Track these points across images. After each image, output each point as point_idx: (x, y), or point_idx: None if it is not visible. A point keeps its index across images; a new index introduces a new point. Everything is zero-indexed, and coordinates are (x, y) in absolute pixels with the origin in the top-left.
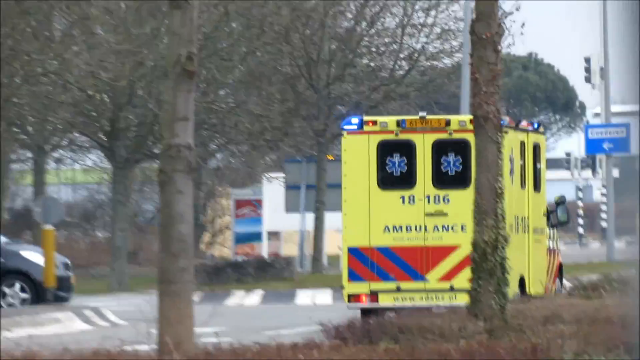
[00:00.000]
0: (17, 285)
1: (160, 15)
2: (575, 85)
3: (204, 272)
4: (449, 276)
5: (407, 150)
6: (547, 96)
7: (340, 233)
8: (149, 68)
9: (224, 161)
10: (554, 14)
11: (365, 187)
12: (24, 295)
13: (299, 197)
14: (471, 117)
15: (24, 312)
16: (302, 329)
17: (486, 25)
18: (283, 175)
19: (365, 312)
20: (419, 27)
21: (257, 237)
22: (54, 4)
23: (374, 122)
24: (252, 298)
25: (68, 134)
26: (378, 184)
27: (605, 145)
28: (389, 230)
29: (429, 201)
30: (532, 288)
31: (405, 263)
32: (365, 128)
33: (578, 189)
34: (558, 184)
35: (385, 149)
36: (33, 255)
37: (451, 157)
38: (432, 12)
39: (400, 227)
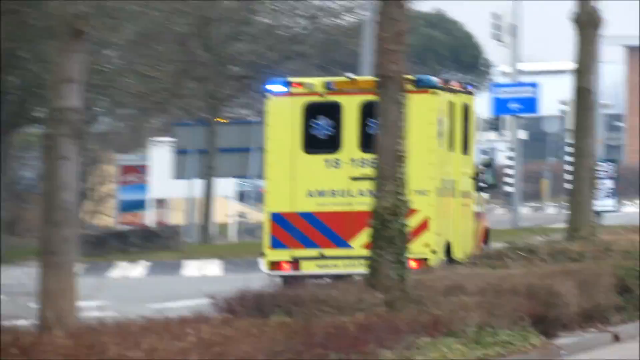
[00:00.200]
0: None
1: None
2: (483, 43)
3: (86, 242)
4: None
5: (334, 112)
6: (452, 54)
7: (230, 200)
8: (32, 27)
9: (109, 125)
10: None
11: (289, 151)
12: None
13: (187, 163)
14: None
15: None
16: (190, 302)
17: None
18: (172, 139)
19: (287, 279)
20: None
21: (142, 205)
22: None
23: (300, 84)
24: (137, 269)
25: None
26: (302, 148)
27: (512, 106)
28: (312, 195)
29: (354, 165)
30: (458, 254)
31: (329, 229)
32: (291, 90)
33: (482, 151)
34: None
35: (310, 111)
36: None
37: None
38: None
39: (324, 192)
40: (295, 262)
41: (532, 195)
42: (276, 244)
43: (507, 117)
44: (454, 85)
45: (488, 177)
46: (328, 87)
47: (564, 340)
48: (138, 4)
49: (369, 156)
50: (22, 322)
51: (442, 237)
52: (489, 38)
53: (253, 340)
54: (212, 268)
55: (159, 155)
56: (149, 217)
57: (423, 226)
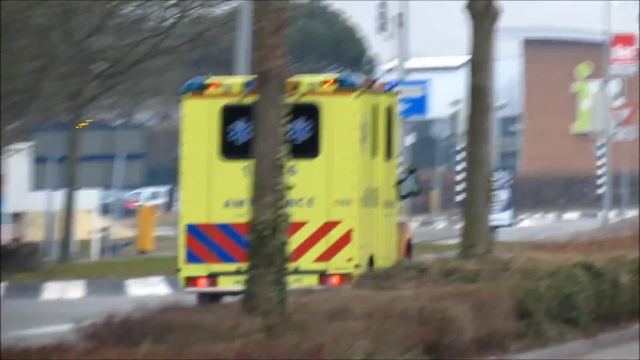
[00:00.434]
0: None
1: None
2: (368, 36)
3: None
4: (294, 257)
5: (253, 115)
6: (333, 49)
7: (93, 213)
8: None
9: None
10: None
11: (205, 157)
12: None
13: (47, 172)
14: (323, 78)
15: None
16: (51, 329)
17: None
18: (29, 145)
19: (204, 296)
20: None
21: None
22: None
23: (218, 85)
24: None
25: None
26: (220, 154)
27: None
28: (230, 206)
29: None
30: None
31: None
32: (208, 91)
33: None
34: None
35: (228, 115)
36: None
37: (299, 123)
38: None
39: (243, 202)
40: (212, 278)
41: (420, 207)
42: (192, 258)
43: None
44: (378, 85)
45: (411, 184)
46: (248, 87)
47: None
48: None
49: (289, 162)
50: None
51: (366, 250)
52: (375, 32)
53: None
54: (74, 290)
55: (15, 164)
56: (4, 233)
57: (346, 238)
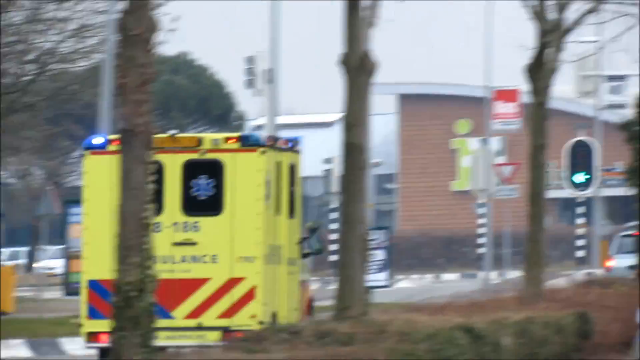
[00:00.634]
0: None
1: None
2: (236, 92)
3: None
4: (197, 313)
5: (155, 172)
6: (200, 105)
7: None
8: None
9: None
10: (211, 7)
11: (108, 213)
12: None
13: None
14: (226, 135)
15: None
16: None
17: (137, 19)
18: None
19: (105, 352)
20: (51, 22)
21: None
22: None
23: (118, 142)
24: None
25: None
26: None
27: None
28: None
29: (177, 229)
30: None
31: None
32: (110, 147)
33: None
34: None
35: None
36: None
37: (203, 180)
38: (67, 4)
39: None
40: None
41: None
42: (94, 313)
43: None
44: (281, 143)
45: (314, 242)
46: None
47: None
48: None
49: (192, 219)
50: None
51: (269, 308)
52: (244, 87)
53: None
54: None
55: None
56: None
57: (249, 295)
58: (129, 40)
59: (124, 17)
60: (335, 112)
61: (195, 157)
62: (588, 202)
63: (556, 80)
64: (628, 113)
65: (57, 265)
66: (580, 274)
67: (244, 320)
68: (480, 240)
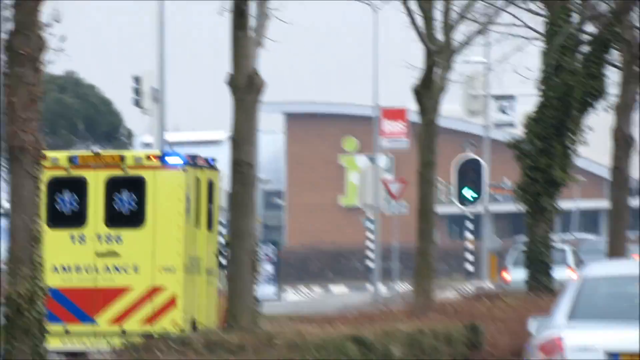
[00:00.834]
0: None
1: None
2: (124, 110)
3: None
4: (120, 319)
5: (79, 187)
6: (88, 122)
7: None
8: None
9: None
10: (100, 27)
11: None
12: None
13: None
14: (148, 153)
15: None
16: None
17: (25, 38)
18: None
19: None
20: None
21: None
22: None
23: (45, 158)
24: None
25: None
26: (48, 223)
27: None
28: (57, 271)
29: (100, 241)
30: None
31: (74, 305)
32: None
33: None
34: None
35: (55, 186)
36: None
37: (125, 195)
38: None
39: (70, 268)
40: None
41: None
42: None
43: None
44: (200, 161)
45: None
46: (73, 161)
47: None
48: None
49: (114, 232)
50: None
51: (189, 315)
52: (131, 105)
53: None
54: None
55: None
56: None
57: (170, 303)
58: (17, 59)
59: (12, 36)
60: (223, 129)
61: (118, 173)
62: (477, 218)
63: (445, 99)
64: (517, 132)
65: None
66: (470, 287)
67: (165, 326)
68: (369, 254)
